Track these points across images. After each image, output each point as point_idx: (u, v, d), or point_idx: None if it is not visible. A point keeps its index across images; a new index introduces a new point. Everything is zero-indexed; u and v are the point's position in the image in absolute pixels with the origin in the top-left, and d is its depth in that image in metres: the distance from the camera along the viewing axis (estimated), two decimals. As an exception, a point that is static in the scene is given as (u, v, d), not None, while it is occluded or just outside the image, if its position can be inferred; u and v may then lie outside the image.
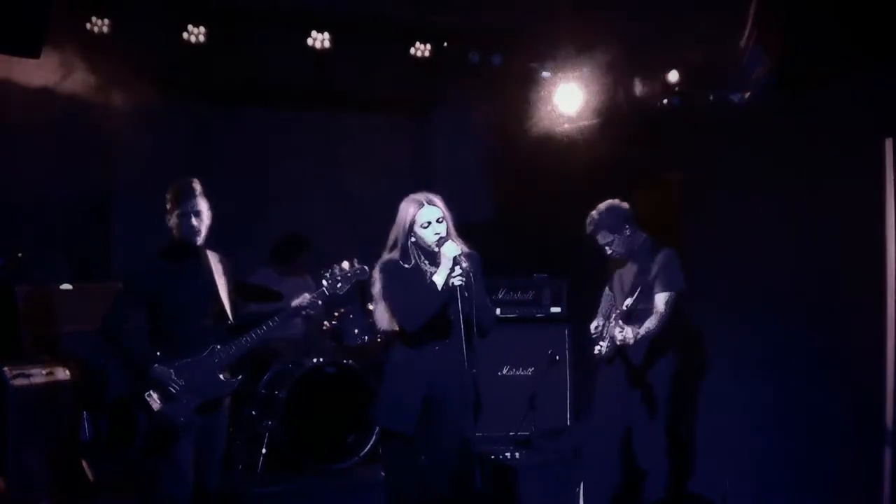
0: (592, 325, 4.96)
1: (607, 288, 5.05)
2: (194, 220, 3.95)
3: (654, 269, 4.65)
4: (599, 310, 5.06)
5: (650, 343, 4.63)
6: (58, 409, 5.03)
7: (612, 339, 4.64)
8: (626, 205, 4.79)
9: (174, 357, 3.91)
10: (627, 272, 4.81)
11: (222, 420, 4.10)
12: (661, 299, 4.61)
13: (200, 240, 4.01)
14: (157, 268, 4.00)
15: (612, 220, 4.73)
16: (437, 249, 3.73)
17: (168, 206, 4.00)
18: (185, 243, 4.00)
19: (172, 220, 3.98)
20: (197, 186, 3.99)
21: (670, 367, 4.76)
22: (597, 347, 4.86)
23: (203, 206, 3.99)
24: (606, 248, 4.80)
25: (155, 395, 3.88)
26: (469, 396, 3.69)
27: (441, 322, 3.78)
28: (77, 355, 5.36)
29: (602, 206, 4.79)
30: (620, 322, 4.49)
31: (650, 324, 4.52)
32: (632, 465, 4.81)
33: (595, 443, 5.00)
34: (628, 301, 4.64)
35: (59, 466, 4.99)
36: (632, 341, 4.35)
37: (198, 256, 4.06)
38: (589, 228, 4.81)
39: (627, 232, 4.76)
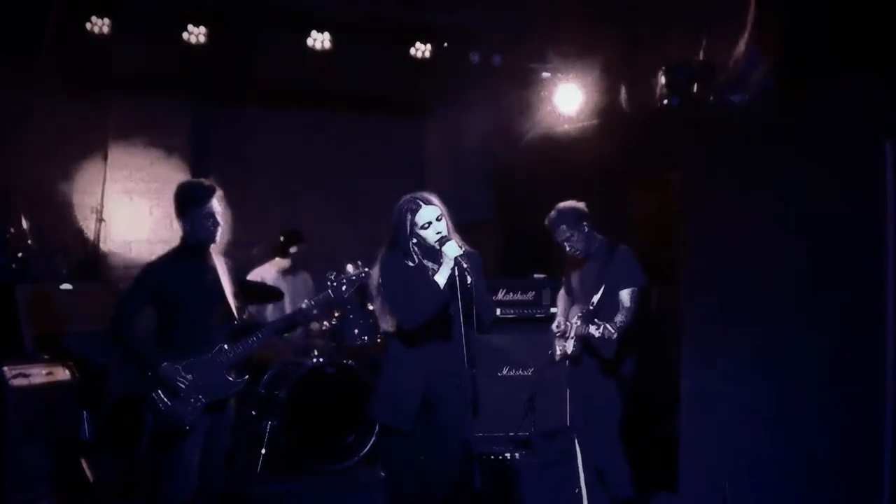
0: (554, 325, 5.06)
1: (563, 290, 5.25)
2: (215, 222, 3.97)
3: (615, 266, 4.81)
4: (559, 311, 5.24)
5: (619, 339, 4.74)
6: (58, 409, 5.03)
7: (580, 337, 4.79)
8: (582, 204, 4.97)
9: (181, 357, 3.90)
10: (587, 273, 4.96)
11: (228, 420, 4.11)
12: (626, 295, 4.77)
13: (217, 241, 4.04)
14: (167, 267, 4.00)
15: (571, 218, 4.89)
16: (439, 248, 3.71)
17: (185, 208, 3.97)
18: (199, 245, 4.00)
19: (191, 222, 3.95)
20: (218, 190, 4.00)
21: (634, 363, 4.91)
22: (559, 347, 4.97)
23: (221, 208, 4.00)
24: (566, 244, 4.95)
25: (162, 394, 3.87)
26: (468, 396, 3.68)
27: (441, 321, 3.77)
28: (77, 355, 5.36)
29: (561, 204, 4.98)
30: (595, 320, 4.58)
31: (620, 319, 4.65)
32: (596, 465, 4.91)
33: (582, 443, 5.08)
34: (595, 298, 4.75)
35: (58, 466, 4.99)
36: (615, 336, 4.47)
37: (205, 257, 4.07)
38: (548, 223, 4.98)
39: (585, 229, 4.91)
